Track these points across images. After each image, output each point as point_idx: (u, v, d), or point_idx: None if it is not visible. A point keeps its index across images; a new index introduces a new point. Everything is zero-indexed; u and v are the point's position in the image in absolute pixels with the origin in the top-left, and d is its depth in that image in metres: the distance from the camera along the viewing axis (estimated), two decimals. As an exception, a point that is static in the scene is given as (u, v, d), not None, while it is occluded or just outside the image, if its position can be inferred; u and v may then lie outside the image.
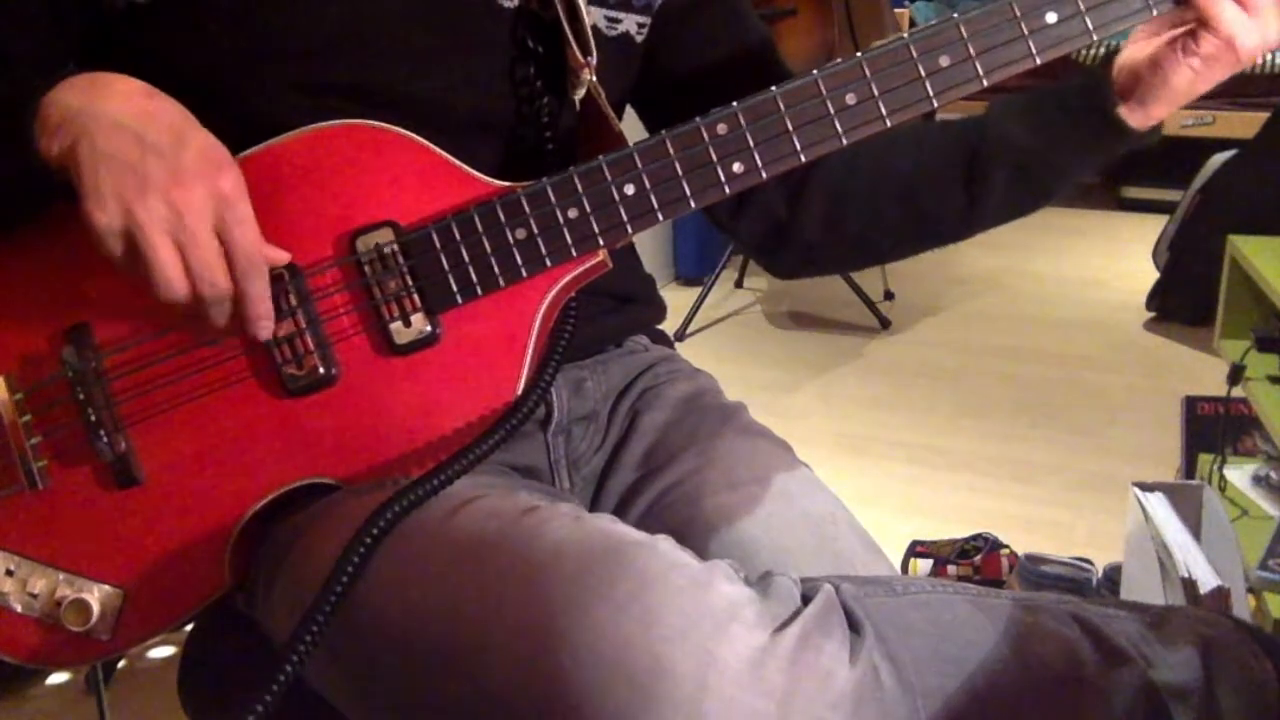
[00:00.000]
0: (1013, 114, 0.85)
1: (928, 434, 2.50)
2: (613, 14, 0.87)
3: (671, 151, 0.74)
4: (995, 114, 0.86)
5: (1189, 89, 0.76)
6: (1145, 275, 3.17)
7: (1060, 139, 0.83)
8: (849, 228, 0.92)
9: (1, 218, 0.74)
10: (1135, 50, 0.79)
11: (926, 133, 0.89)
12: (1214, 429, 1.94)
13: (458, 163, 0.75)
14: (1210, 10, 0.73)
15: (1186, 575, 1.24)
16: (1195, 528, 1.45)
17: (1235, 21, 0.73)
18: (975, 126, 0.87)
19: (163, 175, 0.66)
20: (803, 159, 0.74)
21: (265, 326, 0.72)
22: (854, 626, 0.61)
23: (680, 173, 0.74)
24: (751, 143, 0.74)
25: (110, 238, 0.66)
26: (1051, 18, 0.73)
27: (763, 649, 0.57)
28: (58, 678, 1.67)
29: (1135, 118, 0.79)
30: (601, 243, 0.75)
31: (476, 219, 0.74)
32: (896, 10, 3.52)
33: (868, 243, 0.94)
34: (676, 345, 1.04)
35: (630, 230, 0.75)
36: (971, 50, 0.73)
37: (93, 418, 0.74)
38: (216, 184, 0.67)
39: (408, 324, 0.75)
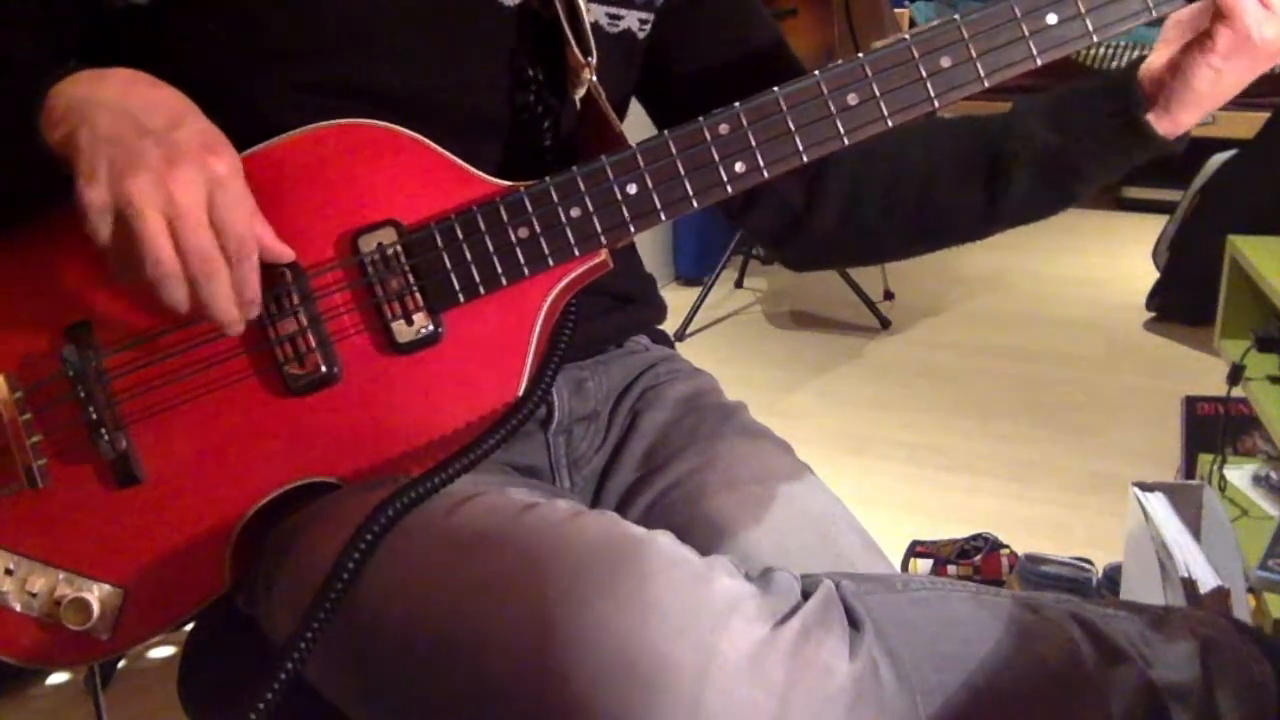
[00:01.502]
0: (1037, 113, 0.84)
1: (928, 434, 2.50)
2: (614, 10, 0.87)
3: (674, 151, 0.74)
4: (1020, 112, 0.85)
5: (1212, 90, 0.76)
6: (1145, 275, 3.17)
7: (1085, 141, 0.82)
8: (865, 221, 0.91)
9: (7, 211, 0.74)
10: (1157, 57, 0.79)
11: (948, 128, 0.89)
12: (1214, 429, 1.94)
13: (459, 162, 0.75)
14: (1230, 3, 0.73)
15: (1186, 575, 1.24)
16: (1195, 528, 1.45)
17: (1254, 15, 0.73)
18: (999, 124, 0.86)
19: (156, 155, 0.65)
20: (804, 159, 0.74)
21: (254, 308, 0.70)
22: (853, 622, 0.61)
23: (682, 172, 0.74)
24: (754, 142, 0.74)
25: (100, 216, 0.65)
26: (1052, 19, 0.73)
27: (763, 642, 0.57)
28: (58, 678, 1.67)
29: (1162, 124, 0.79)
30: (604, 241, 0.75)
31: (479, 218, 0.74)
32: (896, 10, 3.52)
33: (882, 238, 0.93)
34: (676, 345, 1.04)
35: (633, 230, 0.75)
36: (973, 51, 0.73)
37: (93, 416, 0.74)
38: (209, 164, 0.67)
39: (410, 323, 0.75)
